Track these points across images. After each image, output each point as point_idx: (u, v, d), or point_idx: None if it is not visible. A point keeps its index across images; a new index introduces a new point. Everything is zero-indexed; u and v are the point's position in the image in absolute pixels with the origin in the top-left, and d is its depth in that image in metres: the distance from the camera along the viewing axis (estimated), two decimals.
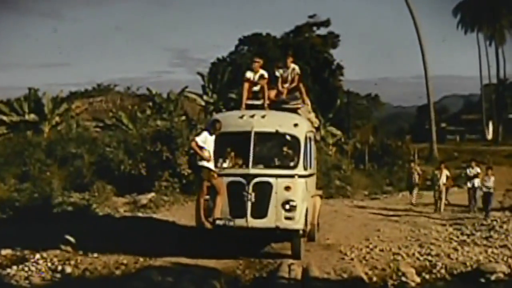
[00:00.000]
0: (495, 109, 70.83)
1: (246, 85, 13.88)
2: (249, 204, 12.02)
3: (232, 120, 12.92)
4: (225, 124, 12.47)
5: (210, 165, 12.16)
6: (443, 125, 73.18)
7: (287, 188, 12.14)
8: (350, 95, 53.75)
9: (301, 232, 12.45)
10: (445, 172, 22.46)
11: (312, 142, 14.07)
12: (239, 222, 12.01)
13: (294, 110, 13.97)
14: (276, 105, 13.92)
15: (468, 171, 21.91)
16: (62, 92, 41.67)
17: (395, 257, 13.57)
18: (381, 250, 14.08)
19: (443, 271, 13.09)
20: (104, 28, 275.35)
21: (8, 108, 38.24)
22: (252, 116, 12.84)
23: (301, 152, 12.61)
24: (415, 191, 24.92)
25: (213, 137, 12.27)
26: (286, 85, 14.38)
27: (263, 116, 12.91)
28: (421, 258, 13.61)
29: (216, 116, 13.82)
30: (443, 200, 22.20)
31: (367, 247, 14.39)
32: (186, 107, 41.68)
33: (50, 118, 38.03)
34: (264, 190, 12.08)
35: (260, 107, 13.61)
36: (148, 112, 38.88)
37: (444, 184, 22.07)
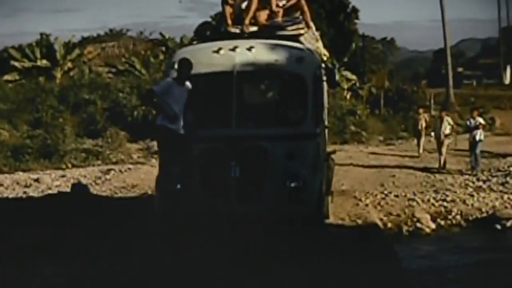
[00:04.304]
0: None
1: (226, 5, 9.59)
2: (234, 181, 8.19)
3: (204, 56, 8.67)
4: (194, 62, 8.44)
5: (176, 125, 8.24)
6: (460, 69, 71.91)
7: (290, 156, 8.26)
8: (365, 39, 52.78)
9: (313, 218, 8.46)
10: (447, 121, 19.27)
11: (324, 84, 9.56)
12: (221, 208, 8.16)
13: (295, 38, 9.38)
14: (269, 31, 9.36)
15: (468, 122, 18.86)
16: (74, 37, 41.38)
17: (410, 203, 13.52)
18: (396, 196, 14.01)
19: (458, 217, 13.07)
20: None
21: (19, 54, 37.88)
22: (234, 49, 8.62)
23: (309, 101, 8.55)
24: (421, 141, 22.38)
25: (185, 86, 8.36)
26: (282, 2, 9.81)
27: (249, 49, 8.63)
28: (436, 204, 13.56)
29: (182, 51, 9.31)
30: (444, 154, 18.92)
31: (382, 193, 14.33)
32: None
33: (62, 64, 37.68)
34: (256, 160, 8.23)
35: (251, 37, 9.18)
36: (161, 57, 38.42)
37: (446, 136, 18.96)
